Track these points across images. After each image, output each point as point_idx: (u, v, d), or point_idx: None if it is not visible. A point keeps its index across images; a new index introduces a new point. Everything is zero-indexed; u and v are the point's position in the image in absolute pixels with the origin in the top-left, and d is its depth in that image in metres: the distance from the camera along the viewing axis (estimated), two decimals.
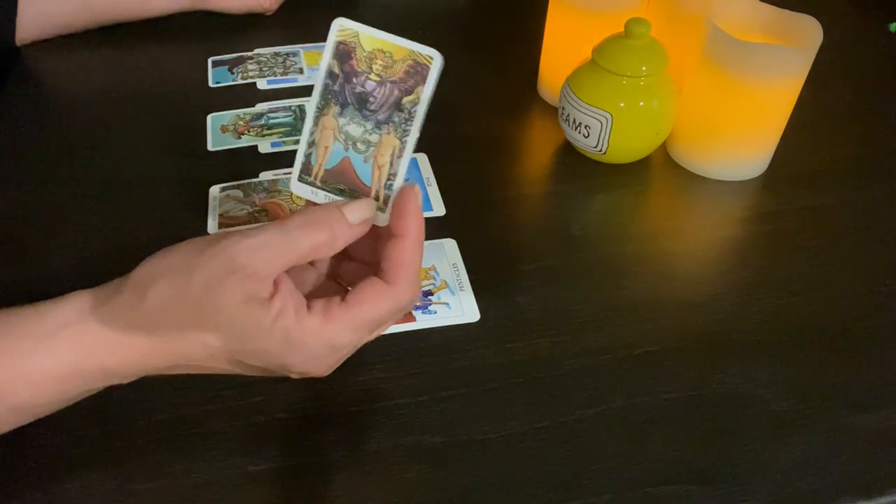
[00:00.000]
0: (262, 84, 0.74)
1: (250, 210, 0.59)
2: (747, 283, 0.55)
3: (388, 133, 0.38)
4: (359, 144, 0.38)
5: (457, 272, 0.55)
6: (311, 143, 0.39)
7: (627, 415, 0.46)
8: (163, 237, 0.57)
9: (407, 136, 0.37)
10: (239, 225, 0.58)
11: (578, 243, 0.59)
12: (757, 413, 0.47)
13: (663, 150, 0.67)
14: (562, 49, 0.69)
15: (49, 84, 0.76)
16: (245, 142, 0.67)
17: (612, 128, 0.60)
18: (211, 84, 0.74)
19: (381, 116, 0.38)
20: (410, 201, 0.38)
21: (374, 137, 0.38)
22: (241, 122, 0.69)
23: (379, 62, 0.37)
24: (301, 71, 0.75)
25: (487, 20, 0.87)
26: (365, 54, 0.37)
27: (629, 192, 0.64)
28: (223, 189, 0.62)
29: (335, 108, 0.38)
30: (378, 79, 0.37)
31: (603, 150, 0.62)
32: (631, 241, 0.59)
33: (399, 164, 0.38)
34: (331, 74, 0.38)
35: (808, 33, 0.58)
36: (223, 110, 0.70)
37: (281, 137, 0.67)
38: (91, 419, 0.44)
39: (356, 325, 0.37)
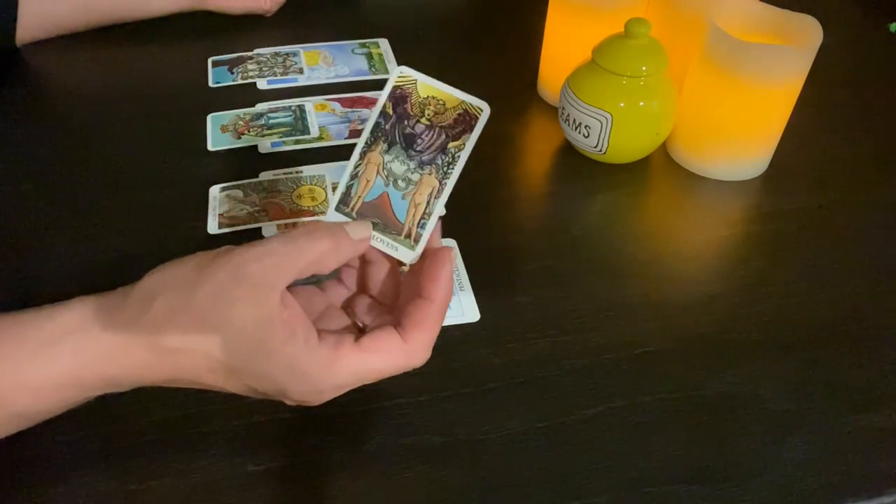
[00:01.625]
0: (262, 84, 0.74)
1: (250, 210, 0.59)
2: (747, 283, 0.55)
3: (430, 174, 0.40)
4: (399, 182, 0.40)
5: (457, 272, 0.55)
6: (355, 176, 0.41)
7: (627, 415, 0.46)
8: (163, 237, 0.58)
9: (447, 178, 0.40)
10: (239, 225, 0.58)
11: (578, 243, 0.59)
12: (757, 413, 0.47)
13: (663, 150, 0.67)
14: (562, 49, 0.69)
15: (49, 84, 0.76)
16: (245, 142, 0.67)
17: (612, 128, 0.60)
18: (211, 84, 0.74)
19: (425, 157, 0.40)
20: (445, 266, 0.38)
21: (415, 176, 0.40)
22: (241, 122, 0.69)
23: (431, 108, 0.40)
24: (301, 71, 0.75)
25: (487, 20, 0.86)
26: (420, 100, 0.40)
27: (629, 192, 0.64)
28: (223, 189, 0.62)
29: (382, 146, 0.40)
30: (428, 123, 0.40)
31: (603, 150, 0.62)
32: (631, 241, 0.59)
33: (435, 204, 0.40)
34: (384, 114, 0.40)
35: (808, 33, 0.58)
36: (223, 110, 0.70)
37: (281, 137, 0.67)
38: (91, 419, 0.44)
39: (362, 369, 0.37)
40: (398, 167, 0.40)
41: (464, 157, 0.39)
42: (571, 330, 0.51)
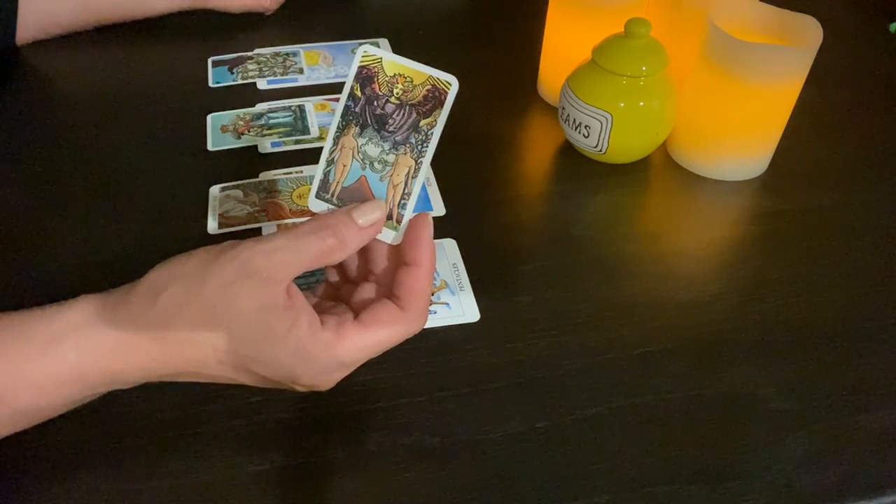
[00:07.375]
0: (262, 84, 0.74)
1: (250, 210, 0.59)
2: (747, 283, 0.55)
3: (405, 154, 0.39)
4: (376, 164, 0.40)
5: (457, 272, 0.55)
6: (331, 162, 0.40)
7: (627, 415, 0.46)
8: (163, 237, 0.58)
9: (422, 157, 0.39)
10: (239, 225, 0.58)
11: (578, 243, 0.59)
12: (757, 413, 0.47)
13: (663, 150, 0.67)
14: (562, 49, 0.69)
15: (49, 84, 0.76)
16: (245, 142, 0.67)
17: (612, 128, 0.60)
18: (211, 84, 0.74)
19: (398, 137, 0.39)
20: (425, 230, 0.39)
21: (390, 157, 0.39)
22: (241, 122, 0.69)
23: (400, 86, 0.39)
24: (301, 71, 0.75)
25: (487, 20, 0.86)
26: (387, 79, 0.39)
27: (629, 192, 0.64)
28: (223, 189, 0.62)
29: (355, 129, 0.40)
30: (398, 102, 0.39)
31: (603, 150, 0.62)
32: (631, 241, 0.59)
33: (413, 183, 0.39)
34: (352, 97, 0.40)
35: (808, 33, 0.58)
36: (223, 110, 0.70)
37: (281, 137, 0.67)
38: (91, 419, 0.44)
39: (366, 344, 0.38)
40: (373, 149, 0.39)
41: (437, 133, 0.39)
42: (571, 330, 0.51)
